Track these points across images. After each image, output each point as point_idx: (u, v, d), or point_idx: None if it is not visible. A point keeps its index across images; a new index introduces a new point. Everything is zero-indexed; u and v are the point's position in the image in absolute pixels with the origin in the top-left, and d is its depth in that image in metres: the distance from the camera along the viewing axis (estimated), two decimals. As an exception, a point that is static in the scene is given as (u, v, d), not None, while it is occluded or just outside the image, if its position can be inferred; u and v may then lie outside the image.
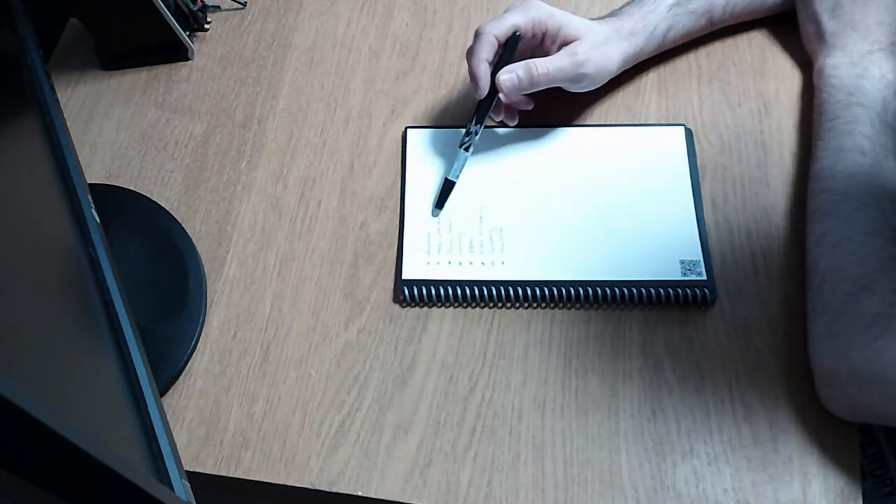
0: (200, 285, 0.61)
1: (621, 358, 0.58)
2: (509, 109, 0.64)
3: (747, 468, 0.53)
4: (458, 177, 0.63)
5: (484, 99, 0.62)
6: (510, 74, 0.60)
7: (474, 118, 0.63)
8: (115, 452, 0.31)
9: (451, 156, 0.65)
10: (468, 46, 0.62)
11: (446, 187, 0.63)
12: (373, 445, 0.55)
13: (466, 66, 0.62)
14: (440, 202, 0.63)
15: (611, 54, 0.62)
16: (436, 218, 0.63)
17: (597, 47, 0.61)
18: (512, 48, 0.61)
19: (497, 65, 0.61)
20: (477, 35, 0.61)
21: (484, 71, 0.60)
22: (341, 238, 0.64)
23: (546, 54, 0.61)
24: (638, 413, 0.56)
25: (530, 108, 0.64)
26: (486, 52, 0.60)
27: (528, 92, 0.61)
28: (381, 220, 0.64)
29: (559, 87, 0.63)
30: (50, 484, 0.29)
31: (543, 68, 0.60)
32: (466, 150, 0.63)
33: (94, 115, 0.71)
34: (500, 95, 0.62)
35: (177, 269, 0.62)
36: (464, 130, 0.64)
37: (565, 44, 0.61)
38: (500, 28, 0.60)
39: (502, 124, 0.65)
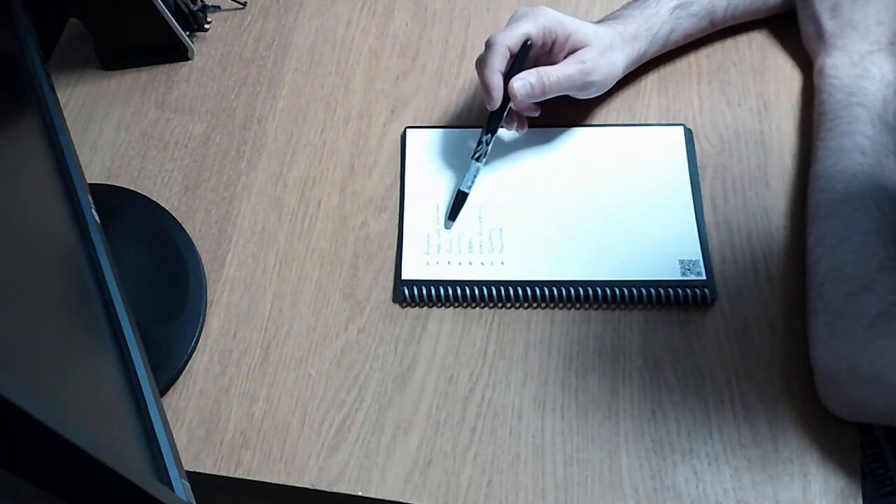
0: (200, 285, 0.61)
1: (621, 358, 0.58)
2: (519, 118, 0.64)
3: (747, 468, 0.53)
4: (470, 188, 0.63)
5: (496, 109, 0.62)
6: (523, 82, 0.59)
7: (485, 129, 0.63)
8: (115, 452, 0.31)
9: (451, 156, 0.65)
10: (474, 55, 0.62)
11: (459, 199, 0.63)
12: (373, 445, 0.55)
13: (467, 66, 0.62)
14: (453, 214, 0.62)
15: (616, 60, 0.62)
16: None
17: (603, 54, 0.61)
18: (523, 57, 0.60)
19: (508, 74, 0.60)
20: (488, 45, 0.60)
21: (497, 82, 0.60)
22: (341, 238, 0.64)
23: (553, 61, 0.61)
24: (638, 413, 0.56)
25: (537, 114, 0.64)
26: (499, 63, 0.60)
27: (539, 100, 0.61)
28: (381, 220, 0.64)
29: (561, 89, 0.64)
30: (50, 484, 0.29)
31: (554, 76, 0.60)
32: (478, 160, 0.63)
33: (94, 115, 0.71)
34: (512, 104, 0.61)
35: (177, 269, 0.62)
36: (466, 131, 0.64)
37: (573, 51, 0.61)
38: (511, 38, 0.60)
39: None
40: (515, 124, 0.64)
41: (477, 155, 0.63)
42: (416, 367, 0.58)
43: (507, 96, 0.60)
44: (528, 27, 0.60)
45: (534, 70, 0.60)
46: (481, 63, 0.61)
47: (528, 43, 0.60)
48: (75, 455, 0.29)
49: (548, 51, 0.62)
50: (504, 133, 0.66)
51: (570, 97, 0.64)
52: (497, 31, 0.60)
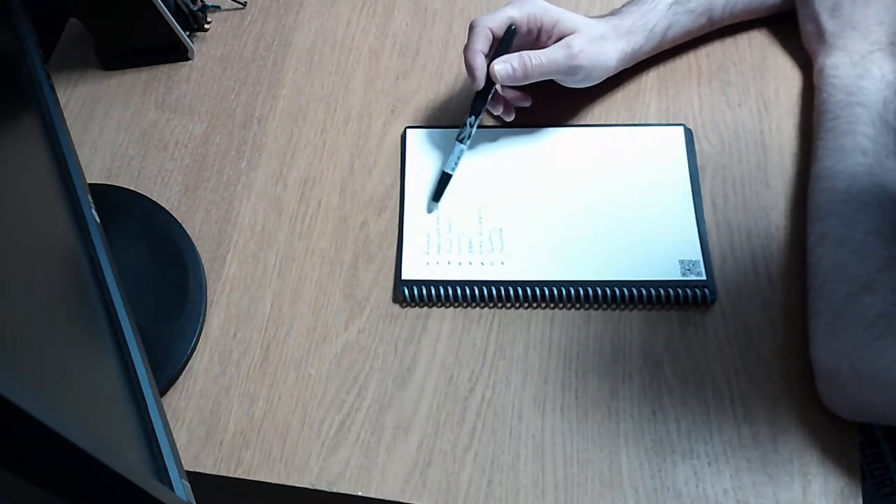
0: (200, 285, 0.61)
1: (621, 358, 0.58)
2: (506, 103, 0.64)
3: (747, 468, 0.53)
4: (454, 169, 0.63)
5: (480, 92, 0.62)
6: (504, 64, 0.60)
7: (471, 111, 0.63)
8: (115, 452, 0.31)
9: (450, 156, 0.65)
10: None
11: (443, 180, 0.63)
12: (373, 445, 0.55)
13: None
14: (437, 195, 0.63)
15: (608, 50, 0.62)
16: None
17: (593, 42, 0.61)
18: (507, 42, 0.61)
19: (493, 59, 0.61)
20: (472, 27, 0.61)
21: (480, 62, 0.60)
22: (341, 238, 0.64)
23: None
24: (638, 413, 0.56)
25: (528, 104, 0.64)
26: (482, 44, 0.60)
27: (523, 83, 0.61)
28: (381, 220, 0.64)
29: (560, 86, 0.64)
30: (50, 484, 0.29)
31: (537, 59, 0.60)
32: (462, 142, 0.63)
33: (94, 115, 0.71)
34: (497, 87, 0.62)
35: (177, 269, 0.62)
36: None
37: (561, 38, 0.61)
38: (494, 21, 0.60)
39: (500, 120, 0.65)
40: (502, 108, 0.64)
41: (461, 137, 0.63)
42: (416, 367, 0.58)
43: (491, 79, 0.61)
44: (511, 11, 0.61)
45: (517, 53, 0.60)
46: (465, 46, 0.61)
47: (513, 28, 0.60)
48: (75, 455, 0.29)
49: (535, 38, 0.62)
50: (503, 132, 0.66)
51: (570, 94, 0.64)
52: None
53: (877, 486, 0.63)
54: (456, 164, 0.63)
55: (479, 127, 0.64)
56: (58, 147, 0.55)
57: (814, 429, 0.54)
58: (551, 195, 0.63)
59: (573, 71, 0.61)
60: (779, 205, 0.62)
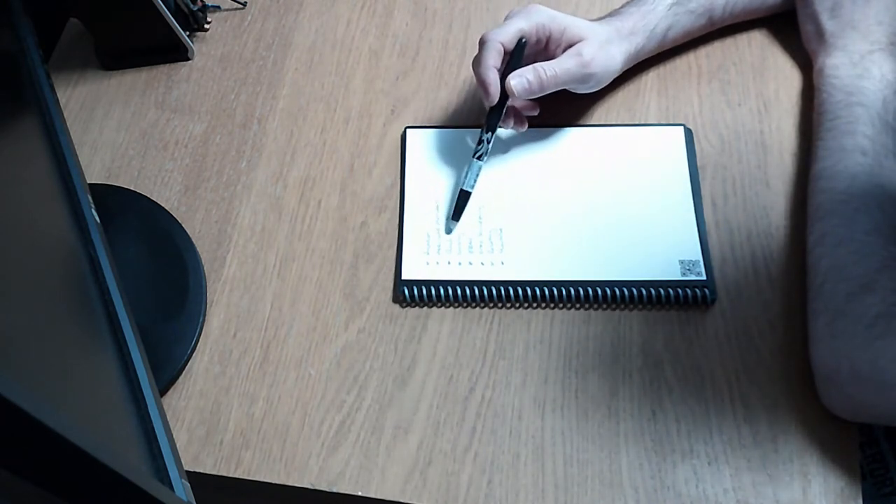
0: (200, 285, 0.61)
1: (621, 358, 0.58)
2: (518, 116, 0.64)
3: (747, 468, 0.53)
4: (473, 187, 0.63)
5: (494, 107, 0.61)
6: (520, 78, 0.60)
7: (485, 127, 0.62)
8: (115, 452, 0.31)
9: (451, 156, 0.65)
10: (474, 55, 0.61)
11: (462, 198, 0.62)
12: (373, 445, 0.55)
13: (467, 66, 0.62)
14: (456, 214, 0.62)
15: (614, 54, 0.62)
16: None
17: (601, 47, 0.61)
18: (519, 54, 0.60)
19: (505, 72, 0.60)
20: (482, 43, 0.60)
21: (493, 78, 0.60)
22: (341, 238, 0.64)
23: (551, 58, 0.61)
24: (638, 413, 0.56)
25: (536, 113, 0.64)
26: (494, 60, 0.60)
27: (538, 96, 0.61)
28: (381, 220, 0.64)
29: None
30: (50, 484, 0.29)
31: (551, 71, 0.60)
32: (480, 159, 0.63)
33: (94, 115, 0.71)
34: (510, 100, 0.61)
35: (177, 269, 0.62)
36: (466, 131, 0.64)
37: (569, 46, 0.61)
38: (505, 35, 0.60)
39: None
40: (513, 122, 0.64)
41: (478, 154, 0.63)
42: (416, 367, 0.58)
43: (504, 93, 0.60)
44: (520, 24, 0.60)
45: (530, 66, 0.60)
46: (476, 61, 0.61)
47: (523, 40, 0.60)
48: (75, 455, 0.29)
49: (543, 48, 0.62)
50: (504, 133, 0.66)
51: (570, 95, 0.64)
52: (489, 29, 0.61)
53: (877, 486, 0.63)
54: (475, 181, 0.63)
55: (479, 126, 0.64)
56: (58, 147, 0.55)
57: (814, 429, 0.54)
58: (551, 195, 0.63)
59: (586, 79, 0.61)
60: (779, 205, 0.62)
